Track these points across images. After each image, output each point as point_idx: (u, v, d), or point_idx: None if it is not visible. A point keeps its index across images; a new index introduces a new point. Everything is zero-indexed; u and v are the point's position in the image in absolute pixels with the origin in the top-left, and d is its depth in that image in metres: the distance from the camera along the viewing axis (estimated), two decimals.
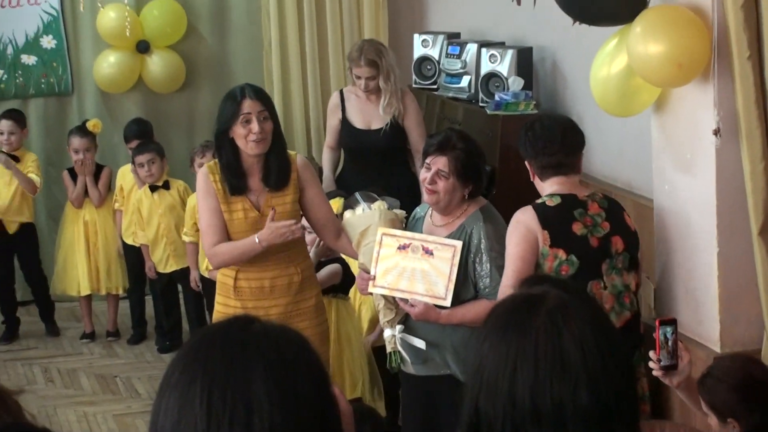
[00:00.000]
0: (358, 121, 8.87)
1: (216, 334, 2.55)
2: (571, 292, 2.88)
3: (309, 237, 7.12)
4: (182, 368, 2.50)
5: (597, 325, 2.78)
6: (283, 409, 2.43)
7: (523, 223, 6.12)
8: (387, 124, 8.81)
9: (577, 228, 6.14)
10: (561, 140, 6.28)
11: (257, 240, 6.49)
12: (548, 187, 6.28)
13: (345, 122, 8.94)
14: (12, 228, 10.41)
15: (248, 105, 6.50)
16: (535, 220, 6.11)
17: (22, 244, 10.53)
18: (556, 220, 6.14)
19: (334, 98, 9.15)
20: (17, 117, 10.38)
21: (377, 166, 8.54)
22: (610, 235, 6.19)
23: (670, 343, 4.99)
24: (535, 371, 2.70)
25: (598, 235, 6.16)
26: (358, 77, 8.82)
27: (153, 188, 9.84)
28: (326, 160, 9.08)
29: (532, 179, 6.42)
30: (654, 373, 5.09)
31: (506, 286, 5.85)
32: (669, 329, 4.99)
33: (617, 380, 2.74)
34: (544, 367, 2.70)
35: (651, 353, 5.05)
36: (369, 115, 8.86)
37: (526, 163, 6.40)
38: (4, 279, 10.47)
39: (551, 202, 6.17)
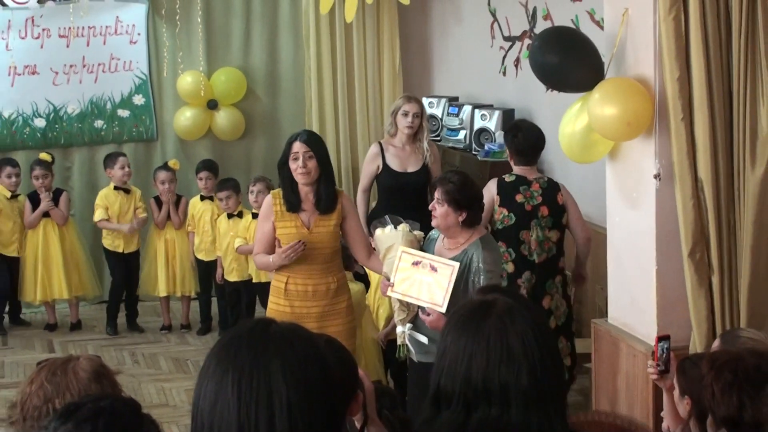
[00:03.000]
0: (396, 166, 8.80)
1: (243, 334, 2.61)
2: (517, 299, 2.94)
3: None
4: (217, 362, 2.58)
5: (536, 326, 2.83)
6: (297, 392, 2.50)
7: (488, 188, 7.45)
8: (421, 167, 8.78)
9: (519, 197, 7.43)
10: (534, 144, 7.58)
11: (270, 259, 6.65)
12: (516, 170, 7.57)
13: (385, 167, 8.81)
14: (130, 249, 10.50)
15: (297, 146, 6.59)
16: (495, 187, 7.47)
17: (132, 260, 10.61)
18: (506, 190, 7.46)
19: (374, 148, 8.94)
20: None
21: (410, 201, 8.43)
22: (540, 204, 7.43)
23: (664, 354, 5.03)
24: (487, 360, 2.77)
25: (531, 204, 7.42)
26: (406, 113, 8.69)
27: (229, 216, 9.90)
28: (361, 202, 8.87)
29: (509, 159, 7.68)
30: (651, 377, 5.13)
31: None
32: (665, 344, 5.03)
33: (550, 369, 2.80)
34: (494, 356, 2.77)
35: (650, 361, 5.10)
36: (405, 160, 8.80)
37: (507, 150, 7.75)
38: (119, 286, 10.52)
39: (508, 179, 7.51)
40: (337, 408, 2.64)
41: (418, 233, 6.58)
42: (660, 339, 5.04)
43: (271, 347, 2.55)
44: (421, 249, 6.42)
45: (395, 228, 6.51)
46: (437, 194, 6.31)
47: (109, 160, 10.47)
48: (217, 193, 9.97)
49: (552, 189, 7.52)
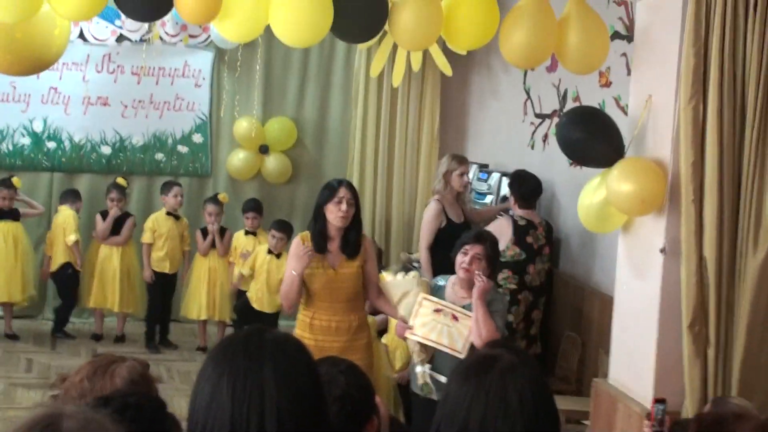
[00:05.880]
0: (455, 218, 8.88)
1: (239, 340, 2.63)
2: (520, 357, 2.90)
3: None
4: (213, 365, 2.59)
5: (535, 384, 2.81)
6: (287, 395, 2.51)
7: (501, 226, 8.26)
8: (464, 218, 8.95)
9: (529, 239, 8.31)
10: (534, 190, 8.51)
11: (293, 272, 6.52)
12: (520, 212, 8.42)
13: (449, 221, 8.84)
14: (173, 270, 10.58)
15: (343, 191, 6.57)
16: (510, 227, 8.28)
17: (171, 282, 10.66)
18: (520, 232, 8.29)
19: (437, 206, 8.93)
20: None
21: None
22: (543, 245, 8.39)
23: (660, 416, 4.97)
24: (485, 411, 2.74)
25: (538, 244, 8.36)
26: (463, 173, 9.01)
27: (278, 256, 9.90)
28: (426, 261, 8.80)
29: (512, 206, 8.56)
30: None
31: None
32: (661, 406, 4.98)
33: (546, 427, 2.79)
34: (491, 409, 2.74)
35: (645, 422, 5.07)
36: (457, 213, 8.94)
37: (510, 195, 8.61)
38: (159, 305, 10.55)
39: (521, 222, 8.35)
40: (325, 413, 2.65)
41: (427, 280, 6.59)
42: (657, 401, 4.99)
43: (264, 353, 2.56)
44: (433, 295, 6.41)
45: (406, 274, 6.53)
46: (477, 251, 6.27)
47: (165, 187, 10.57)
48: (274, 231, 9.93)
49: (550, 231, 8.64)
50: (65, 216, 10.50)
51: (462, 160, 9.06)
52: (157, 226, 10.43)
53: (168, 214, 10.48)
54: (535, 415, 2.74)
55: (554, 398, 2.94)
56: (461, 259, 6.33)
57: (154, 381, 3.69)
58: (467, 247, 6.33)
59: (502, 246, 7.71)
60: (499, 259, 6.61)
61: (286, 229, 9.91)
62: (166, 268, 10.44)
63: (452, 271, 6.50)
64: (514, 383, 2.76)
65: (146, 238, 10.40)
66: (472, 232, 6.71)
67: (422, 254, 8.93)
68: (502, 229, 8.14)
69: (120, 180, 10.73)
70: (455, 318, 6.17)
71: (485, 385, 2.77)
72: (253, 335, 2.63)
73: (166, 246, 10.43)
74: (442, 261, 7.80)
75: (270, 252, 9.88)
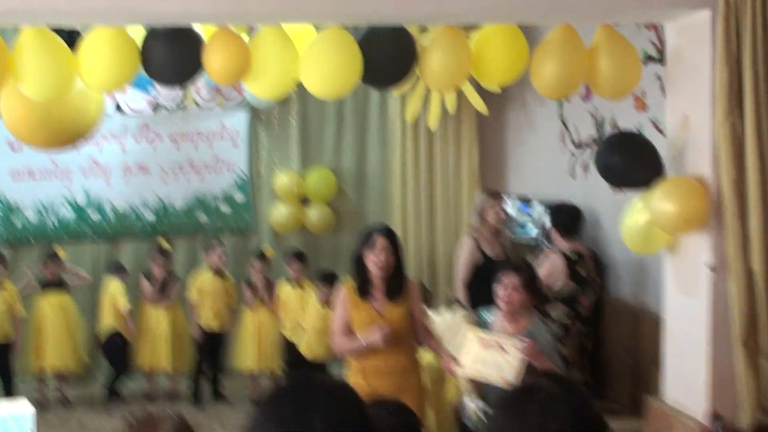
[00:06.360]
0: (492, 254, 8.86)
1: (286, 389, 2.61)
2: (563, 386, 2.89)
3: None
4: (263, 412, 2.57)
5: (578, 412, 2.76)
6: None
7: (554, 263, 8.24)
8: (504, 253, 8.89)
9: (581, 271, 8.26)
10: (577, 220, 8.51)
11: (363, 341, 6.53)
12: (565, 244, 8.38)
13: (486, 258, 8.84)
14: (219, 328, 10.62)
15: (381, 241, 6.55)
16: (563, 263, 8.22)
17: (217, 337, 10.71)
18: (572, 267, 8.23)
19: (471, 242, 8.96)
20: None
21: None
22: (591, 276, 8.29)
23: (717, 430, 4.96)
24: None
25: (588, 274, 8.29)
26: (500, 208, 9.00)
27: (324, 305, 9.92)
28: (464, 298, 8.78)
29: (552, 237, 8.60)
30: None
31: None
32: (719, 423, 4.97)
33: None
34: None
35: None
36: (495, 248, 8.90)
37: (552, 227, 8.59)
38: (204, 365, 10.60)
39: (572, 257, 8.28)
40: None
41: (473, 317, 6.59)
42: (715, 418, 4.97)
43: (313, 399, 2.53)
44: None
45: (452, 312, 6.53)
46: (514, 281, 6.27)
47: (209, 247, 10.66)
48: (319, 284, 9.96)
49: (598, 260, 8.59)
50: (114, 286, 10.62)
51: (496, 195, 9.05)
52: (203, 285, 10.51)
53: (214, 273, 10.56)
54: None
55: (605, 424, 2.91)
56: (499, 292, 6.35)
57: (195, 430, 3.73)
58: (503, 278, 6.34)
59: (558, 283, 8.07)
60: (542, 287, 6.60)
61: (330, 280, 9.94)
62: (214, 326, 10.51)
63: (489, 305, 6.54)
64: (555, 414, 2.72)
65: (192, 297, 10.50)
66: (509, 262, 6.72)
67: (459, 292, 8.94)
68: (555, 266, 8.17)
69: (164, 243, 10.83)
70: (503, 349, 6.16)
71: (526, 416, 2.73)
72: (301, 382, 2.61)
73: (214, 304, 10.51)
74: (484, 298, 7.82)
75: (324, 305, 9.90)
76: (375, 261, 6.53)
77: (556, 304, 8.08)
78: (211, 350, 10.58)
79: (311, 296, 10.14)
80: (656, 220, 6.03)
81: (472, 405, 6.36)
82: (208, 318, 10.48)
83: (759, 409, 5.62)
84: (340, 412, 2.53)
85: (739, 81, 5.63)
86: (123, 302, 10.48)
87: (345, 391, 2.63)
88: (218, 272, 10.57)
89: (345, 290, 6.70)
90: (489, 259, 8.79)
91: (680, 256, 6.21)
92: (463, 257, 8.97)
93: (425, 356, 7.29)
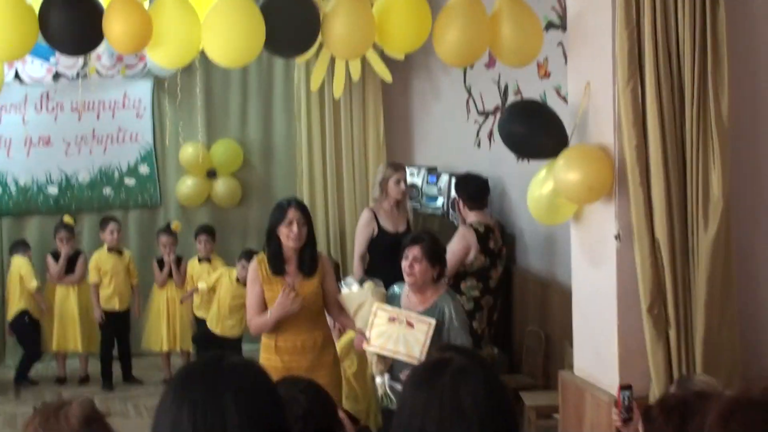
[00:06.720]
0: (390, 228, 8.73)
1: (197, 368, 2.64)
2: (471, 358, 2.86)
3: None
4: (173, 396, 2.56)
5: (488, 384, 2.77)
6: (249, 421, 2.49)
7: (464, 236, 8.02)
8: (407, 227, 8.74)
9: (491, 243, 8.09)
10: (483, 189, 8.33)
11: (269, 314, 6.49)
12: (472, 216, 8.19)
13: (381, 230, 8.70)
14: (123, 308, 10.42)
15: (293, 213, 6.49)
16: (474, 238, 7.99)
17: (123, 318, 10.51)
18: (482, 240, 8.03)
19: (367, 214, 8.84)
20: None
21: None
22: (501, 246, 8.22)
23: (627, 402, 4.90)
24: (440, 415, 2.70)
25: (497, 247, 8.16)
26: (398, 181, 8.74)
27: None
28: (359, 267, 8.72)
29: (459, 209, 8.34)
30: (615, 424, 4.98)
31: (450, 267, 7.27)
32: (627, 393, 4.91)
33: (502, 426, 2.75)
34: (447, 413, 2.70)
35: (614, 410, 4.96)
36: (396, 222, 8.76)
37: (459, 198, 8.34)
38: (111, 342, 10.41)
39: (480, 229, 8.07)
40: None
41: (382, 290, 6.52)
42: (622, 388, 4.93)
43: (224, 380, 2.53)
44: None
45: (361, 286, 6.46)
46: (414, 252, 6.23)
47: (102, 224, 10.49)
48: (244, 261, 9.54)
49: (502, 230, 8.53)
50: (19, 264, 10.37)
51: (397, 167, 8.93)
52: (101, 264, 10.31)
53: (110, 250, 10.35)
54: (490, 415, 2.71)
55: (510, 396, 2.90)
56: (403, 264, 6.29)
57: (106, 416, 3.61)
58: (406, 250, 6.31)
59: (470, 257, 7.96)
60: (444, 253, 6.51)
61: (247, 259, 9.80)
62: (115, 305, 10.32)
63: (391, 279, 6.47)
64: (467, 385, 2.72)
65: (92, 277, 10.29)
66: (410, 234, 6.68)
67: (355, 263, 8.89)
68: (468, 241, 8.03)
69: (67, 218, 10.59)
70: (411, 325, 6.10)
71: (438, 389, 2.73)
72: (211, 363, 2.60)
73: (113, 283, 10.30)
74: (379, 269, 7.77)
75: (237, 281, 9.72)
76: (288, 234, 6.45)
77: (466, 279, 8.02)
78: (116, 331, 10.38)
79: (222, 272, 10.01)
80: (561, 189, 5.97)
81: (380, 381, 6.31)
82: (108, 297, 10.27)
83: (669, 380, 5.62)
84: (251, 392, 2.53)
85: (639, 46, 5.58)
86: (31, 280, 10.23)
87: (255, 370, 2.63)
88: (114, 249, 10.35)
89: (257, 266, 6.60)
90: (386, 231, 8.69)
91: (586, 225, 6.17)
92: (359, 229, 8.89)
93: (349, 333, 7.23)
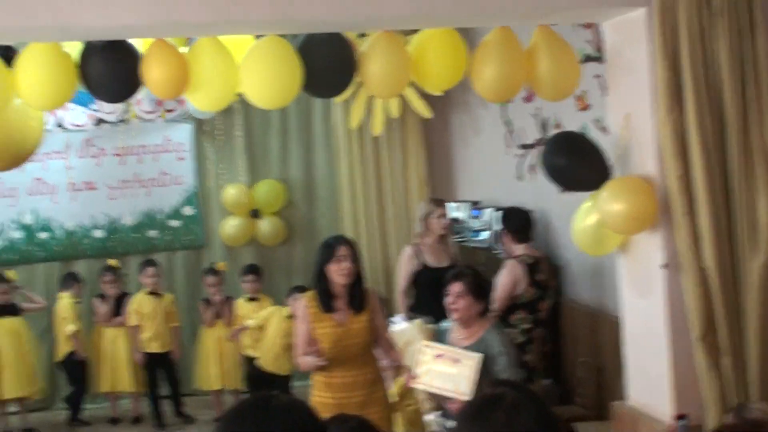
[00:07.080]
0: (433, 262, 8.72)
1: (245, 409, 2.63)
2: (524, 393, 2.86)
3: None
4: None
5: (541, 417, 2.75)
6: None
7: (512, 270, 7.99)
8: (451, 263, 8.63)
9: (539, 276, 8.07)
10: (528, 223, 8.31)
11: (299, 364, 6.59)
12: (519, 249, 8.16)
13: (425, 266, 8.69)
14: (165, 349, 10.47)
15: (343, 249, 6.50)
16: (522, 271, 7.98)
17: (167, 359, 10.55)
18: (531, 272, 8.03)
19: (409, 250, 8.85)
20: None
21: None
22: (548, 280, 8.21)
23: (683, 431, 4.88)
24: None
25: (546, 279, 8.17)
26: (441, 216, 8.78)
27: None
28: (402, 305, 8.71)
29: (504, 242, 8.33)
30: None
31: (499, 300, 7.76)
32: (683, 422, 4.89)
33: None
34: None
35: None
36: (439, 257, 8.74)
37: (505, 232, 8.30)
38: (157, 387, 10.44)
39: (529, 260, 8.07)
40: None
41: (431, 326, 6.49)
42: (678, 417, 4.90)
43: (272, 418, 2.55)
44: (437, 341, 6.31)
45: (410, 323, 6.44)
46: (456, 289, 6.22)
47: (141, 268, 10.56)
48: (293, 294, 9.66)
49: (552, 262, 8.59)
50: (64, 305, 10.45)
51: (438, 203, 8.95)
52: (140, 307, 10.37)
53: (149, 293, 10.41)
54: None
55: (570, 428, 2.88)
56: (447, 301, 6.29)
57: None
58: (449, 287, 6.31)
59: (519, 290, 7.95)
60: (488, 287, 6.50)
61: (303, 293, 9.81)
62: (154, 347, 10.37)
63: (436, 314, 6.45)
64: (520, 420, 2.71)
65: (132, 320, 10.35)
66: (453, 270, 6.66)
67: (398, 298, 8.89)
68: (515, 274, 8.00)
69: (111, 262, 10.70)
70: (456, 360, 6.08)
71: (492, 424, 2.72)
72: (260, 402, 2.61)
73: (152, 326, 10.34)
74: (425, 304, 7.76)
75: (290, 317, 9.71)
76: (338, 270, 6.46)
77: (516, 311, 7.98)
78: (160, 371, 10.43)
79: (272, 311, 10.05)
80: (606, 221, 5.97)
81: (431, 419, 6.28)
82: (148, 340, 10.31)
83: (724, 408, 5.56)
84: (299, 431, 2.55)
85: (678, 77, 5.58)
86: (69, 325, 10.31)
87: (303, 409, 2.65)
88: (153, 292, 10.41)
89: (305, 304, 6.60)
90: (429, 267, 8.68)
91: (633, 256, 6.15)
92: (401, 265, 8.91)
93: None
